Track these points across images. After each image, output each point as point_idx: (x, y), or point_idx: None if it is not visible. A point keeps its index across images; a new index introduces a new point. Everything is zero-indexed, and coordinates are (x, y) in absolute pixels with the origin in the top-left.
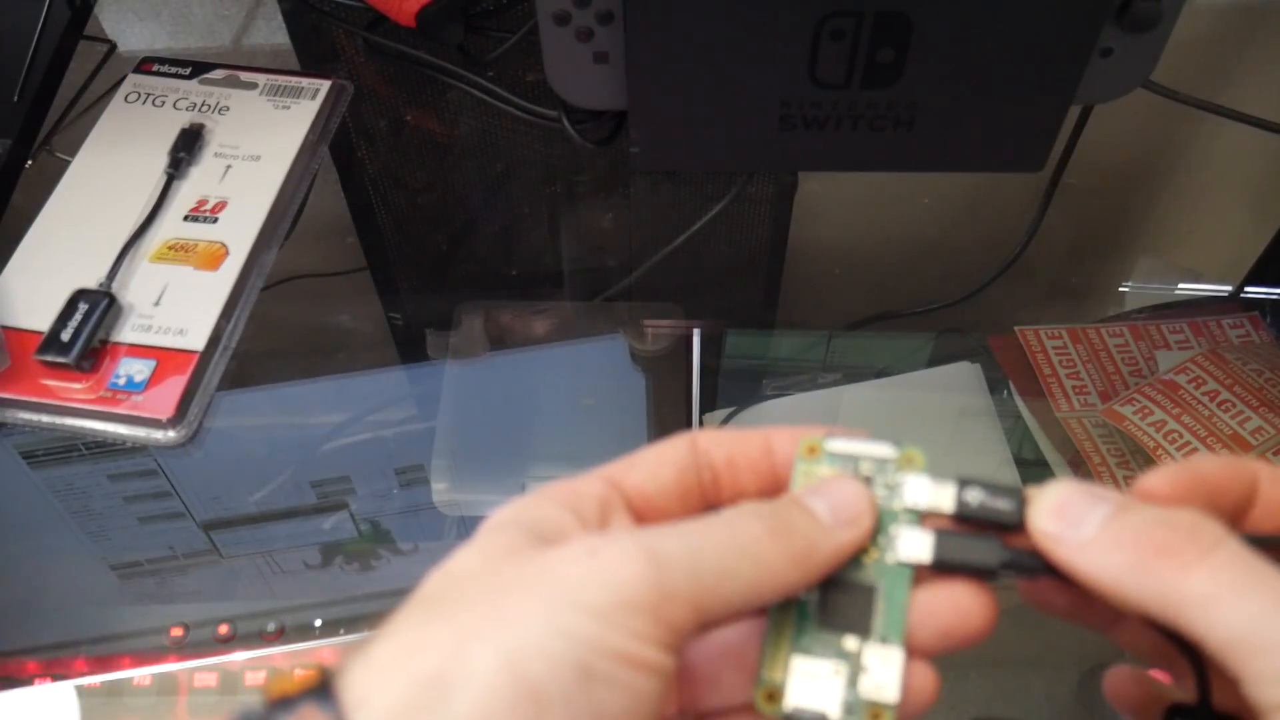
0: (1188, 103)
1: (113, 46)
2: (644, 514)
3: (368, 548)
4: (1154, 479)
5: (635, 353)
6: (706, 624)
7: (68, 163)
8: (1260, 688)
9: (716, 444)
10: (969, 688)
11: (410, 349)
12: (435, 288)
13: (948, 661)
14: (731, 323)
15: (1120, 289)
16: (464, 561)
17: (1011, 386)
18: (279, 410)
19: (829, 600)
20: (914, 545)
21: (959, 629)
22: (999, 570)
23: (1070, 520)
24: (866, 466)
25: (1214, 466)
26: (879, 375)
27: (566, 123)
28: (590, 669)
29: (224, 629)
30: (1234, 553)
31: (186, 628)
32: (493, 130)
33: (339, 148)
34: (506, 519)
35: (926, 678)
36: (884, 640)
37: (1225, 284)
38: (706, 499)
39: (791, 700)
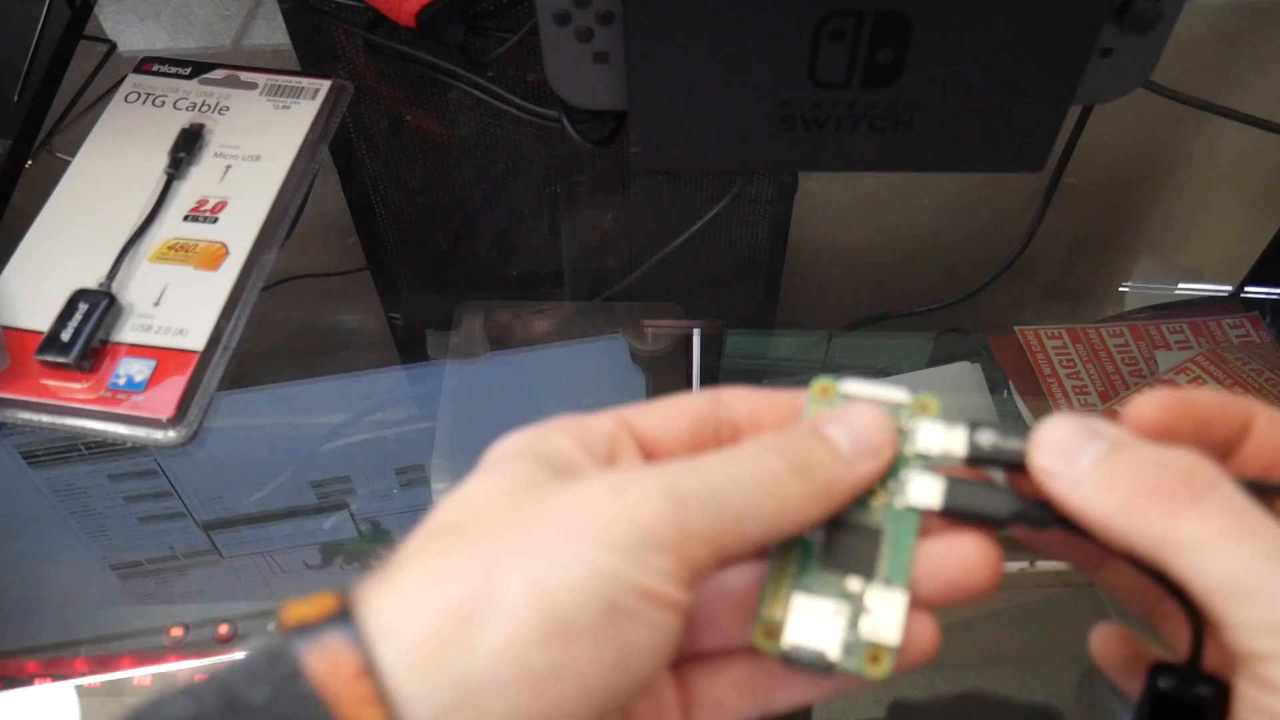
0: (1188, 103)
1: (113, 46)
2: (653, 457)
3: (368, 548)
4: (1144, 401)
5: (635, 353)
6: (724, 562)
7: (68, 163)
8: (1244, 636)
9: (742, 400)
10: (969, 687)
11: (410, 349)
12: (435, 288)
13: (947, 660)
14: (731, 323)
15: (1120, 289)
16: (479, 491)
17: (1011, 386)
18: (279, 410)
19: (834, 540)
20: (925, 490)
21: (964, 582)
22: (1008, 520)
23: (1066, 456)
24: None
25: (1208, 400)
26: (879, 375)
27: (566, 123)
28: (616, 604)
29: (224, 629)
30: (1228, 498)
31: (186, 628)
32: (493, 130)
33: (339, 148)
34: (517, 448)
35: (928, 629)
36: (888, 583)
37: (1225, 284)
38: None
39: (790, 638)
